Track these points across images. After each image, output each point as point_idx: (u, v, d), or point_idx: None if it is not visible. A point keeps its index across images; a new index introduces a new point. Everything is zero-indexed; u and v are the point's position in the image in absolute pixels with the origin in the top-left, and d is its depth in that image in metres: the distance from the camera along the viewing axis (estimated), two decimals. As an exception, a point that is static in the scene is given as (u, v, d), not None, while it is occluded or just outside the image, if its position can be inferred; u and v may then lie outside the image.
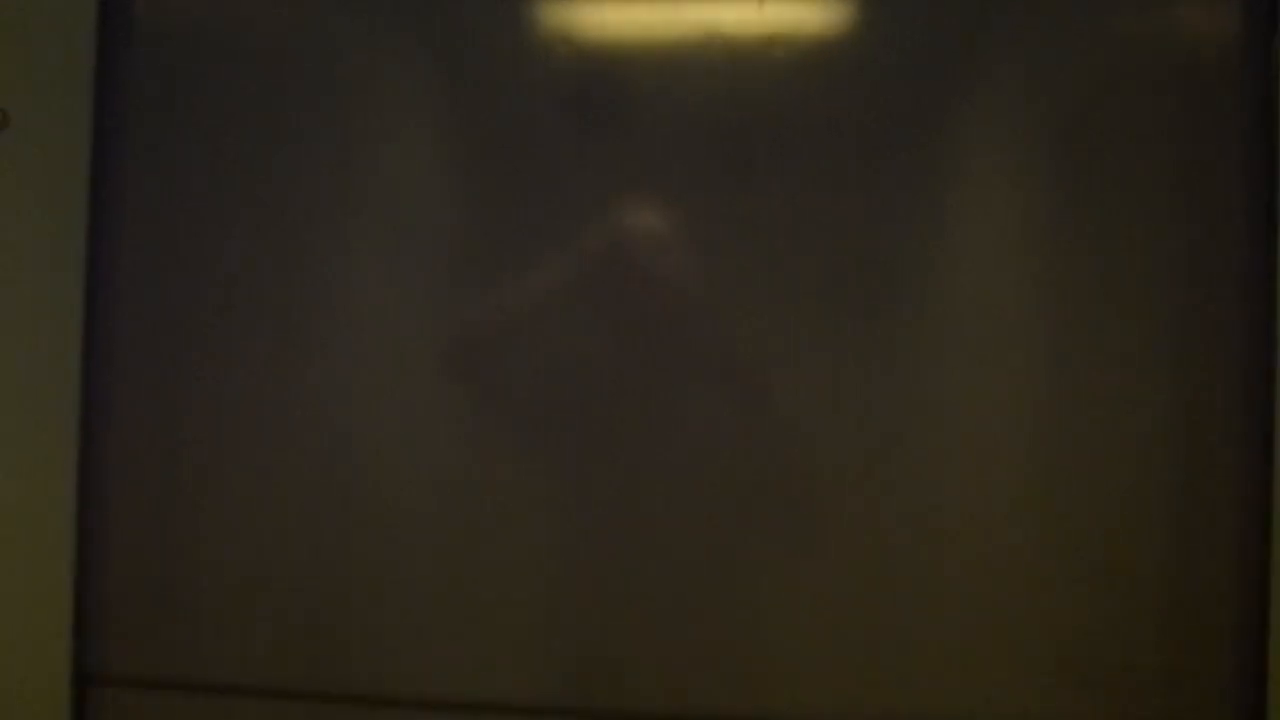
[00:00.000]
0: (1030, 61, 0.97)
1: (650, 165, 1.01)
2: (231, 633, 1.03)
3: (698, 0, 1.01)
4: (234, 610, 1.03)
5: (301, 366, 1.03)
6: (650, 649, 0.99)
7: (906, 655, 0.96)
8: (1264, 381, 0.93)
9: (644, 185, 1.01)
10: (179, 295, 1.05)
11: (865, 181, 0.98)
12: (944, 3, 0.97)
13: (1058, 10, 0.96)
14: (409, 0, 1.04)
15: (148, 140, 1.07)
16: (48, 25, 1.01)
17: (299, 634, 1.03)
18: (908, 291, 0.97)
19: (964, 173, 0.98)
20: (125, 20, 1.05)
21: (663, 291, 1.02)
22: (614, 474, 1.00)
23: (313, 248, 1.04)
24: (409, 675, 1.02)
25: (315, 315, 1.04)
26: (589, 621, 1.00)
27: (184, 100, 1.06)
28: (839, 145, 0.99)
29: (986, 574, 0.95)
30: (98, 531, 1.04)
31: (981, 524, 0.95)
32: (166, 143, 1.06)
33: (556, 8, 1.03)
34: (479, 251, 1.03)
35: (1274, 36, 0.94)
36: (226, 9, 1.07)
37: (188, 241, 1.05)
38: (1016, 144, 0.98)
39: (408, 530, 1.02)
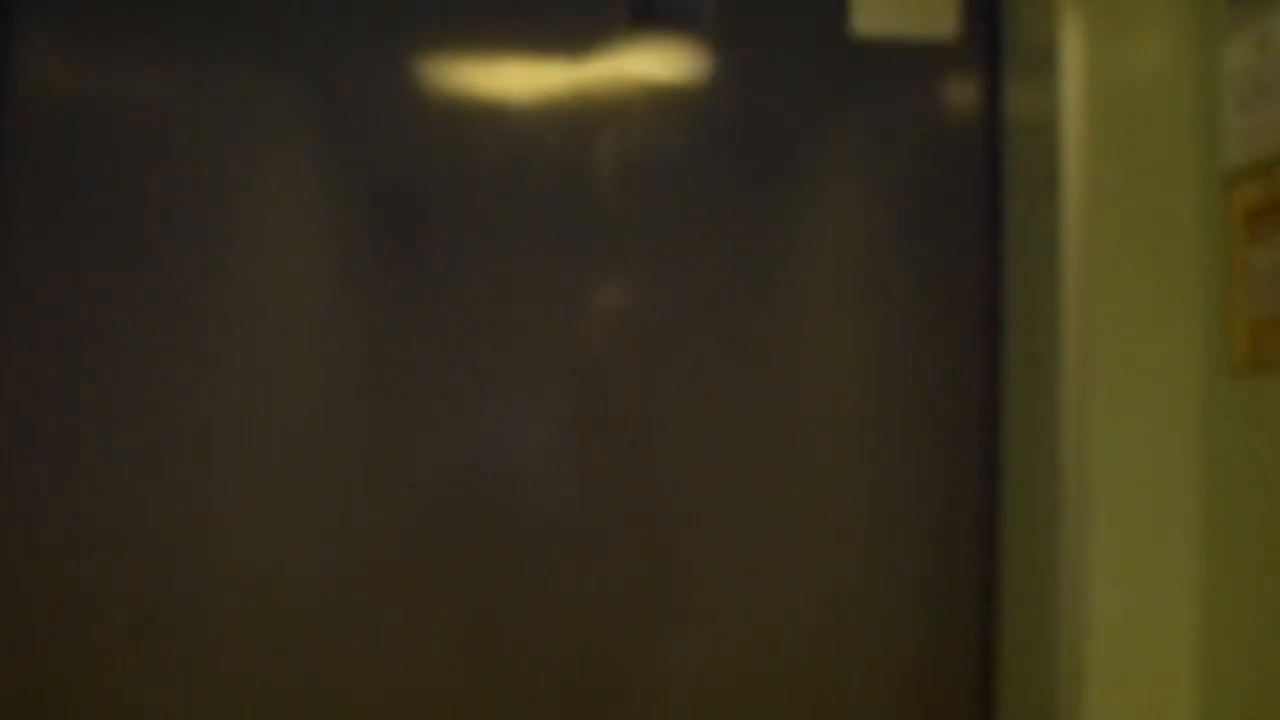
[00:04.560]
0: (840, 134, 1.20)
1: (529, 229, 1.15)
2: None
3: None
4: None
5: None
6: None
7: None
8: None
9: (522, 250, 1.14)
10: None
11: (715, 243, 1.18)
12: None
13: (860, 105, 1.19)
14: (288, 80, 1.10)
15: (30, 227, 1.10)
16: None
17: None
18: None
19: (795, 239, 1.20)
20: (8, 98, 1.08)
21: (538, 346, 1.11)
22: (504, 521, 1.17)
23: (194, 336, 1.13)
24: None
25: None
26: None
27: (66, 180, 1.09)
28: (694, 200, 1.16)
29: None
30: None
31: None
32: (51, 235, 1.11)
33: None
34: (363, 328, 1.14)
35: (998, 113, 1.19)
36: (108, 91, 1.11)
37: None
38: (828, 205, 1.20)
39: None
